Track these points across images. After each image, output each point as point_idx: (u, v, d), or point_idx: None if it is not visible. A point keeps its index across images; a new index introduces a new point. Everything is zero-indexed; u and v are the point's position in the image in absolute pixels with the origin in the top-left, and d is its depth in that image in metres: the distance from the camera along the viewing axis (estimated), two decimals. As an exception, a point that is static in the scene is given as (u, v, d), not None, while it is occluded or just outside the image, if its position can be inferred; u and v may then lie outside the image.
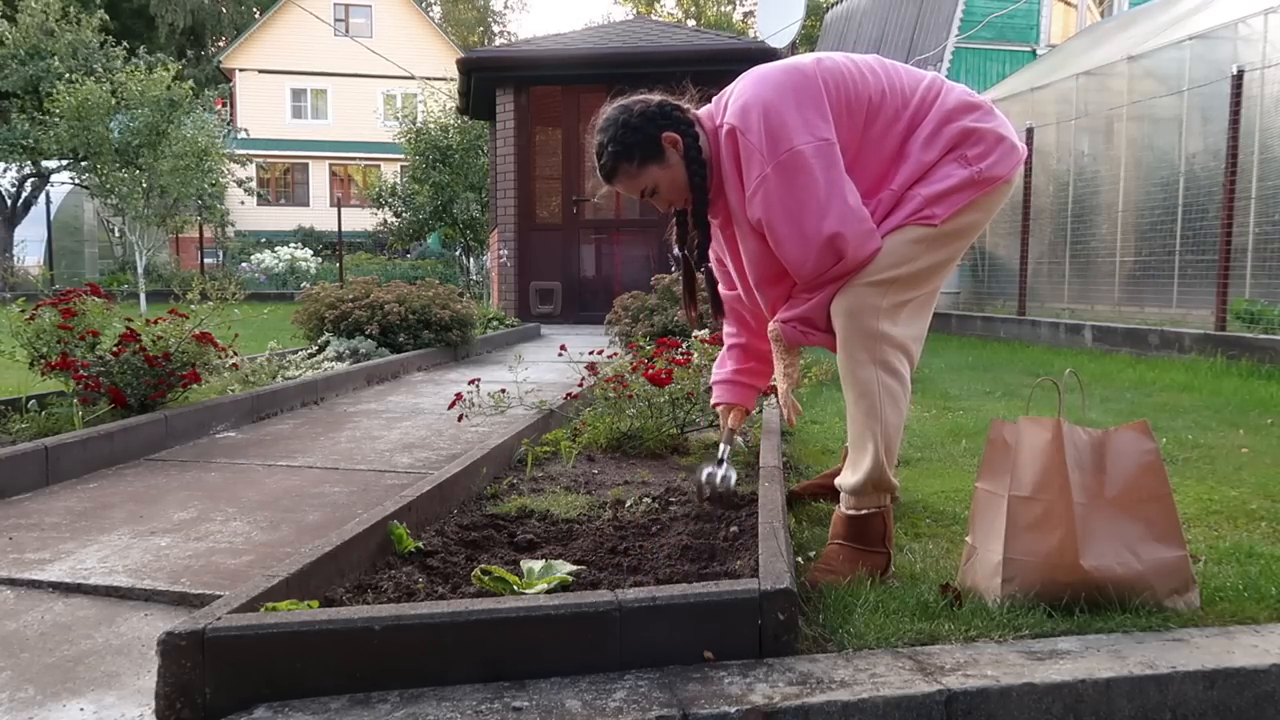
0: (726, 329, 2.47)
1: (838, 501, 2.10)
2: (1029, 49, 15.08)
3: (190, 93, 14.76)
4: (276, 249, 21.38)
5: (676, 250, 2.31)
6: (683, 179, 2.09)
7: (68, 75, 14.21)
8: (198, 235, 21.35)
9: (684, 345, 3.80)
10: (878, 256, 1.99)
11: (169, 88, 14.16)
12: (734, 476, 2.42)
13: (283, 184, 31.40)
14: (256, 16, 33.51)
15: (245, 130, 22.29)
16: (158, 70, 14.39)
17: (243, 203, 25.61)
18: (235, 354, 4.57)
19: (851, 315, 1.99)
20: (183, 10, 32.75)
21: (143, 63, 15.04)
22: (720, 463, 2.42)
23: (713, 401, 2.50)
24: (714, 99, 2.16)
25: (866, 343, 1.99)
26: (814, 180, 1.93)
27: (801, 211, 1.94)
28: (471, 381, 3.68)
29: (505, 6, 58.10)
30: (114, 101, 13.87)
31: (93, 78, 14.01)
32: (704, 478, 2.41)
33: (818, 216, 1.94)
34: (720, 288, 2.38)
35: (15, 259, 17.33)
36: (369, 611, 1.49)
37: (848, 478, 2.05)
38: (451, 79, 16.54)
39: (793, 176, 1.93)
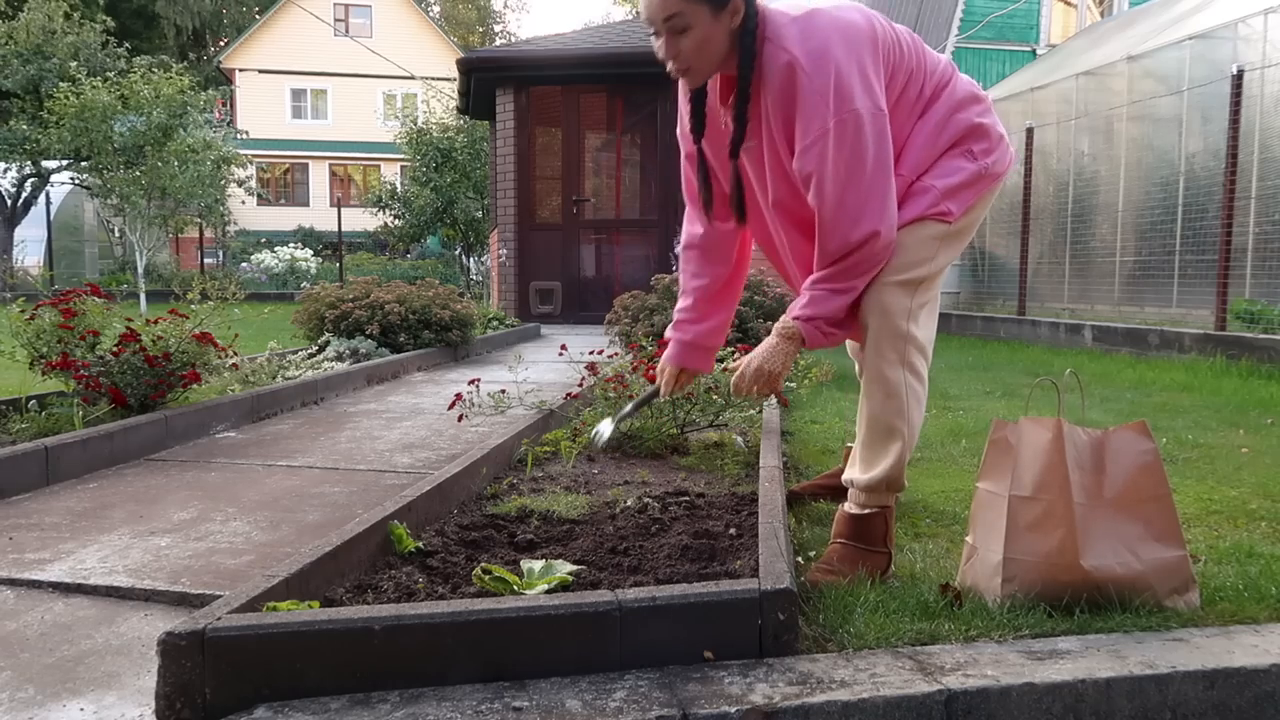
0: (686, 267, 2.30)
1: (838, 501, 2.10)
2: (1029, 49, 15.08)
3: (203, 102, 14.82)
4: (277, 249, 21.39)
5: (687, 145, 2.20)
6: (720, 49, 1.90)
7: (73, 77, 14.19)
8: (198, 235, 21.37)
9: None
10: (902, 255, 1.98)
11: (183, 91, 14.18)
12: (607, 433, 2.44)
13: (283, 184, 31.41)
14: (257, 17, 33.52)
15: (245, 132, 22.33)
16: (172, 72, 14.40)
17: (243, 203, 25.63)
18: (235, 354, 4.57)
19: (885, 315, 1.99)
20: (189, 12, 32.78)
21: (150, 66, 15.04)
22: (614, 421, 2.47)
23: (664, 359, 2.32)
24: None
25: (896, 344, 2.00)
26: (866, 150, 1.87)
27: (849, 179, 1.88)
28: (471, 381, 3.68)
29: (505, 6, 58.10)
30: (119, 106, 13.87)
31: (101, 80, 14.01)
32: (593, 431, 2.48)
33: (862, 192, 1.90)
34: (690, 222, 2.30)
35: (15, 259, 17.34)
36: (369, 611, 1.49)
37: (862, 473, 2.05)
38: (452, 79, 16.55)
39: (851, 140, 1.86)
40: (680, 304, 2.30)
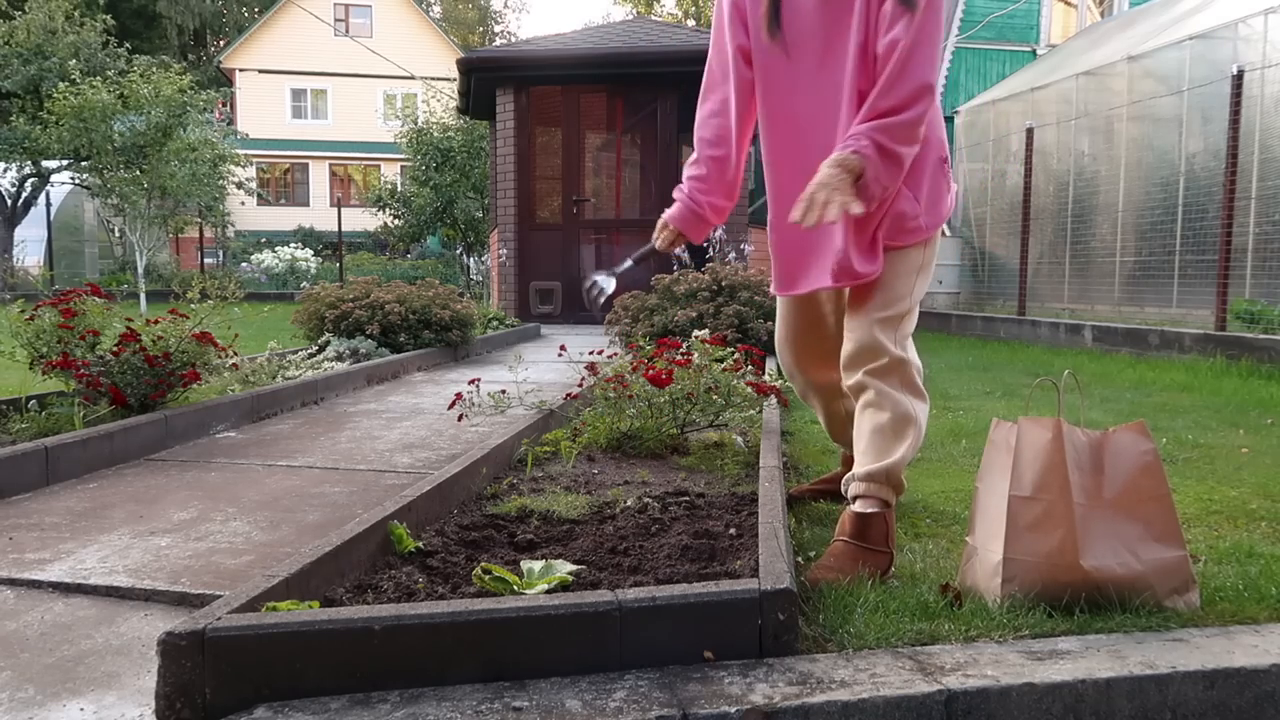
0: (704, 135, 2.29)
1: (838, 502, 2.11)
2: (1029, 49, 15.07)
3: (202, 102, 14.85)
4: (277, 249, 21.40)
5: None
6: None
7: (73, 76, 14.19)
8: (198, 235, 21.38)
9: (684, 345, 3.81)
10: (886, 292, 2.09)
11: (182, 91, 14.19)
12: (611, 288, 2.39)
13: (283, 184, 31.41)
14: (257, 17, 33.53)
15: (245, 133, 22.36)
16: (171, 71, 14.41)
17: (243, 203, 25.64)
18: (235, 354, 4.57)
19: (878, 350, 2.07)
20: (189, 13, 32.80)
21: (150, 66, 15.03)
22: (613, 275, 2.39)
23: (667, 216, 2.33)
24: None
25: (894, 369, 2.08)
26: (942, 23, 1.98)
27: (931, 37, 1.93)
28: (471, 381, 3.68)
29: (505, 6, 58.13)
30: (119, 105, 13.88)
31: (100, 79, 14.02)
32: (589, 282, 2.39)
33: (932, 52, 1.94)
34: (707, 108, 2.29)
35: (15, 259, 17.35)
36: (369, 611, 1.49)
37: (866, 464, 2.07)
38: (452, 79, 16.56)
39: (940, 7, 1.96)
40: (694, 171, 2.30)
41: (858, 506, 2.06)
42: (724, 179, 2.30)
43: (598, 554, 2.03)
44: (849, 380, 2.13)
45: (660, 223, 2.35)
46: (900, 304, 2.10)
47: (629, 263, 2.40)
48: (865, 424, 2.11)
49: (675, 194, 2.33)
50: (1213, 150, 7.38)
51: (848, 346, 2.12)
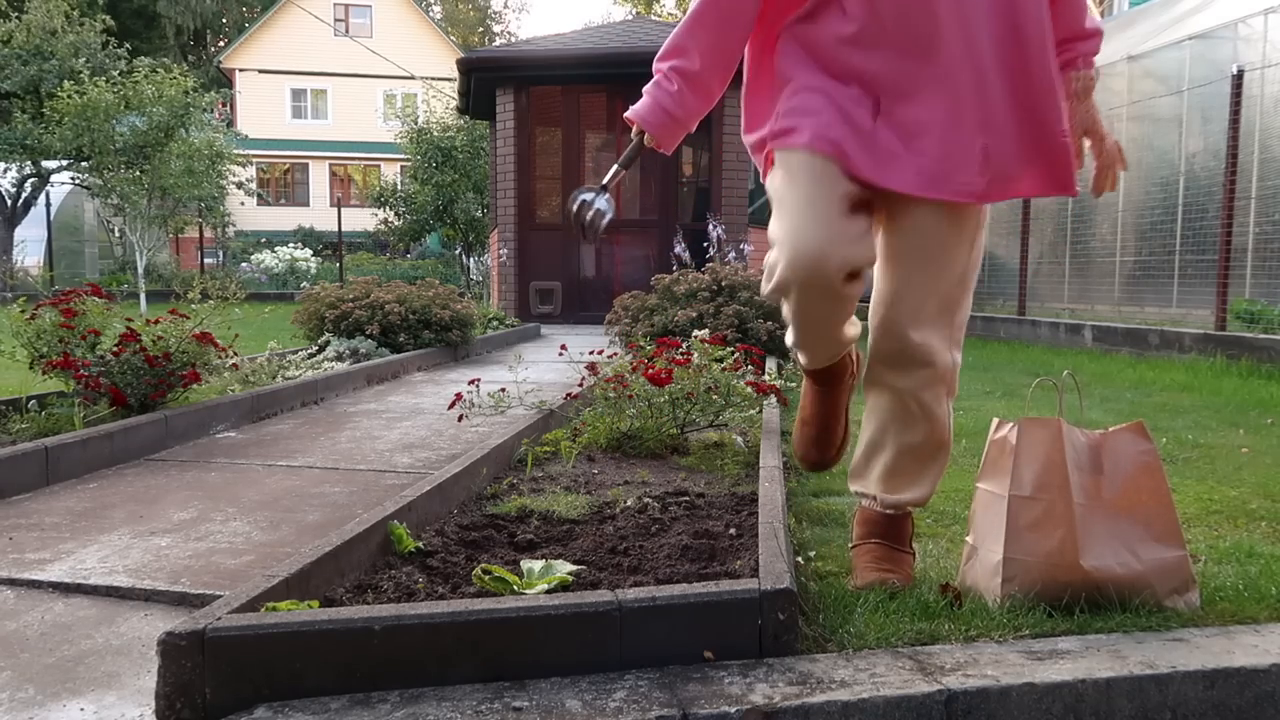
0: (684, 43, 1.94)
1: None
2: (1029, 49, 15.05)
3: (204, 104, 14.90)
4: (276, 249, 21.41)
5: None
6: None
7: (77, 75, 14.22)
8: (198, 235, 21.40)
9: (684, 345, 3.81)
10: (972, 255, 1.87)
11: (186, 93, 14.21)
12: (610, 214, 2.01)
13: (283, 184, 31.42)
14: (256, 16, 33.54)
15: (244, 135, 22.37)
16: (174, 72, 14.42)
17: (243, 203, 25.65)
18: (235, 354, 4.57)
19: (931, 353, 1.84)
20: (189, 13, 32.83)
21: (152, 68, 15.05)
22: (603, 190, 2.00)
23: (645, 120, 1.90)
24: None
25: (946, 376, 1.87)
26: None
27: None
28: (471, 381, 3.68)
29: (505, 6, 58.15)
30: (122, 105, 13.90)
31: (104, 79, 14.04)
32: (578, 203, 2.00)
33: None
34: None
35: (15, 259, 17.35)
36: (369, 611, 1.49)
37: (891, 493, 1.96)
38: (452, 79, 16.57)
39: None
40: (686, 63, 1.90)
41: (889, 510, 1.97)
42: (714, 78, 1.94)
43: (598, 554, 2.03)
44: (888, 379, 1.86)
45: (637, 129, 1.93)
46: (973, 276, 1.86)
47: (616, 168, 2.00)
48: (892, 436, 1.92)
49: (656, 92, 1.91)
50: (1213, 150, 7.38)
51: (896, 339, 1.83)
